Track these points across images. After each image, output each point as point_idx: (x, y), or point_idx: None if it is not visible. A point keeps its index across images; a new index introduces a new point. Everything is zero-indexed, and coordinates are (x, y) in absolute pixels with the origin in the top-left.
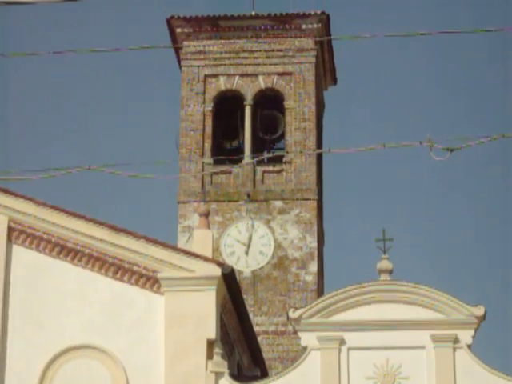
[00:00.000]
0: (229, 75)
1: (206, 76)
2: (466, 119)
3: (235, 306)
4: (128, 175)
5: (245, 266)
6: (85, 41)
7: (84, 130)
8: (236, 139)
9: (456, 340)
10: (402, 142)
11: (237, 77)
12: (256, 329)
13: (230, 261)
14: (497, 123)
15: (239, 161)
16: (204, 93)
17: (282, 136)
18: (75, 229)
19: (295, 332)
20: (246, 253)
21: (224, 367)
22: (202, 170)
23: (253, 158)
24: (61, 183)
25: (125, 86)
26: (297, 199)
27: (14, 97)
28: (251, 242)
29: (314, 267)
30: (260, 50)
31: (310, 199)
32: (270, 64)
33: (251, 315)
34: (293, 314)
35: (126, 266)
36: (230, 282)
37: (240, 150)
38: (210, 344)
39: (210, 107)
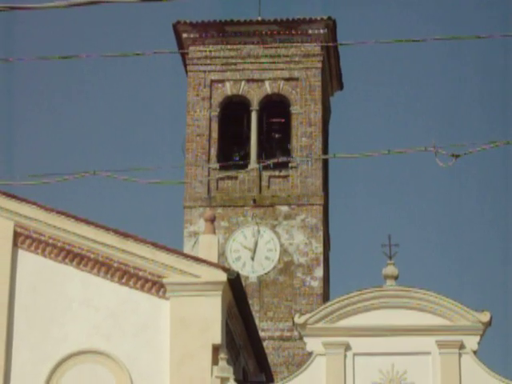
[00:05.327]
0: (235, 80)
1: (212, 81)
2: (472, 125)
3: (241, 312)
4: (133, 180)
5: (250, 271)
6: (90, 46)
7: (90, 135)
8: (242, 144)
9: (462, 346)
10: (407, 148)
11: (243, 82)
12: (261, 334)
13: (235, 266)
14: (500, 129)
15: (245, 166)
16: (210, 98)
17: (288, 141)
18: (81, 234)
19: (301, 337)
20: (252, 258)
21: (229, 372)
22: (208, 176)
23: (259, 163)
24: (67, 188)
25: (131, 90)
26: (303, 204)
27: (19, 102)
28: (257, 248)
29: (319, 272)
30: (266, 56)
31: (315, 204)
32: (276, 69)
33: (257, 320)
34: (298, 320)
35: (132, 271)
36: (235, 288)
37: (246, 156)
38: (216, 349)
39: (216, 112)
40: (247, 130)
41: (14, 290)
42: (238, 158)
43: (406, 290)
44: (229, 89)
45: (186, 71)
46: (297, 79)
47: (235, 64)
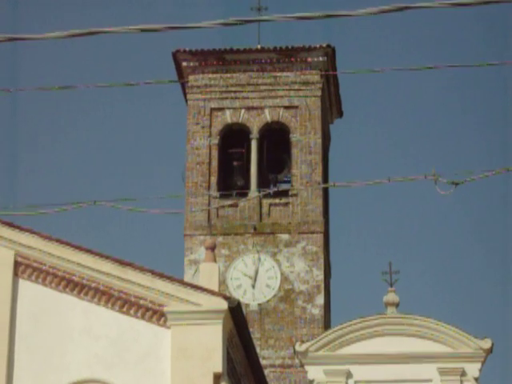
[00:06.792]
0: (235, 109)
1: (211, 109)
2: (472, 152)
3: (242, 340)
4: (130, 209)
5: (251, 299)
6: (90, 76)
7: (90, 164)
8: (242, 173)
9: (463, 373)
10: (407, 176)
11: (243, 110)
12: (263, 362)
13: (236, 294)
14: (501, 156)
15: (245, 194)
16: (210, 126)
17: (288, 169)
18: (81, 263)
19: (302, 365)
20: (253, 286)
21: None
22: (208, 204)
23: (259, 191)
24: (67, 218)
25: (131, 119)
26: (303, 232)
27: (21, 131)
28: (257, 275)
29: (320, 300)
30: (266, 84)
31: (316, 232)
32: (276, 97)
33: (258, 348)
34: (299, 348)
35: (133, 299)
36: (236, 316)
37: (246, 184)
38: (217, 377)
39: (216, 141)
40: (247, 157)
41: (15, 320)
42: (238, 186)
43: (407, 317)
44: (229, 117)
45: (186, 99)
46: (296, 107)
47: (235, 92)
